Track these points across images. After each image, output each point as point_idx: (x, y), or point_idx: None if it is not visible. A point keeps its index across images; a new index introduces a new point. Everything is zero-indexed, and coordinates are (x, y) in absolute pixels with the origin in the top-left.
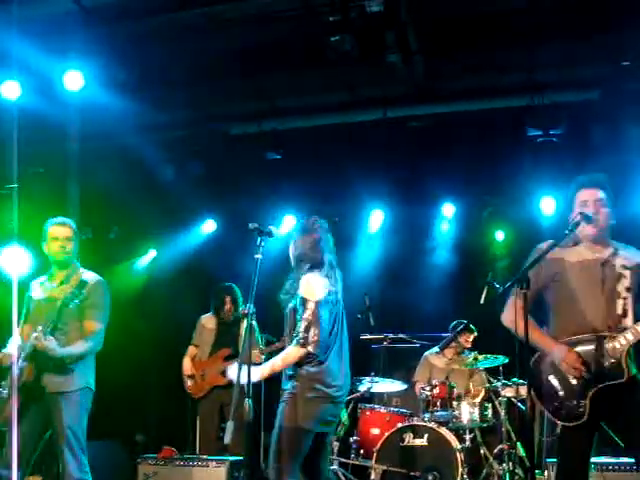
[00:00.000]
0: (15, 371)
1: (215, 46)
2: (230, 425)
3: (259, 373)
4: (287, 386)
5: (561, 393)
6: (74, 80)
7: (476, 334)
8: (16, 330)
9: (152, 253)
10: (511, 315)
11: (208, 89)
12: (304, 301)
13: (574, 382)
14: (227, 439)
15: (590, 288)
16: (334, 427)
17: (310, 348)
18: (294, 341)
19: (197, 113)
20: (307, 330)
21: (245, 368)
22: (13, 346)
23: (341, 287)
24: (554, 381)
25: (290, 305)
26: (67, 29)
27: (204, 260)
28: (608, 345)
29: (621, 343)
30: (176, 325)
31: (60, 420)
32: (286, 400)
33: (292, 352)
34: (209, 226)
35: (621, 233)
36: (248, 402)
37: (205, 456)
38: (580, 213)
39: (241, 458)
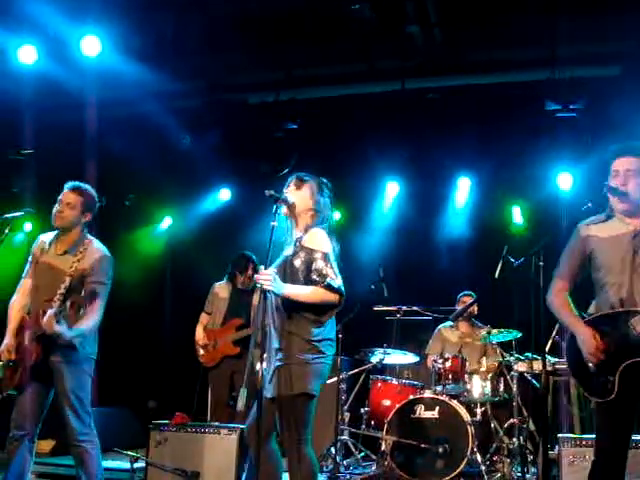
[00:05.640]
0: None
1: (233, 14)
2: (243, 392)
3: (281, 285)
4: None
5: (592, 369)
6: (91, 45)
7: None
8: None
9: (167, 221)
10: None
11: (225, 58)
12: (312, 252)
13: (604, 358)
14: (240, 406)
15: (621, 263)
16: None
17: (339, 296)
18: (327, 281)
19: (215, 82)
20: (332, 275)
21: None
22: (12, 313)
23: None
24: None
25: (287, 256)
26: None
27: (219, 228)
28: (633, 320)
29: None
30: (190, 292)
31: (64, 387)
32: (283, 366)
33: (326, 293)
34: (224, 194)
35: None
36: (261, 369)
37: (217, 423)
38: (605, 185)
39: None
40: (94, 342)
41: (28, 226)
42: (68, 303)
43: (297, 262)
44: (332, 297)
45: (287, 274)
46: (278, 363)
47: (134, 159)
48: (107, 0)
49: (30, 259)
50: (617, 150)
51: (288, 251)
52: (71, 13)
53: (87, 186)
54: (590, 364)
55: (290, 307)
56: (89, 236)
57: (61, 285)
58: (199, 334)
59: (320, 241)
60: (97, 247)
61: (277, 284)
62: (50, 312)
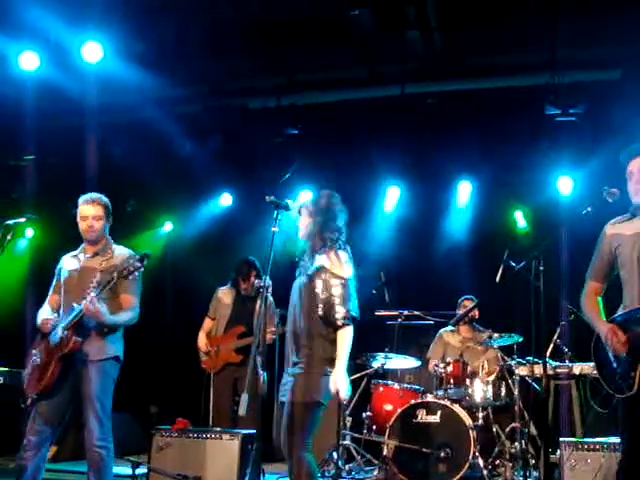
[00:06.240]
0: (54, 339)
1: (234, 19)
2: (244, 397)
3: (343, 381)
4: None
5: (615, 366)
6: (92, 52)
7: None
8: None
9: (168, 226)
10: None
11: (226, 63)
12: (333, 276)
13: (626, 355)
14: (241, 411)
15: (632, 260)
16: None
17: (352, 324)
18: (340, 322)
19: (215, 87)
20: (345, 306)
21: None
22: (44, 314)
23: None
24: (610, 355)
25: (303, 280)
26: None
27: (220, 234)
28: None
29: None
30: (192, 297)
31: (89, 389)
32: (300, 374)
33: (349, 334)
34: (225, 200)
35: None
36: (262, 375)
37: (219, 429)
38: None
39: (254, 431)
40: (121, 342)
41: (30, 232)
42: (104, 300)
43: (317, 286)
44: (351, 329)
45: (305, 298)
46: (295, 371)
47: (135, 164)
48: (108, 6)
49: (56, 275)
50: (632, 151)
51: (307, 272)
52: (72, 19)
53: (99, 194)
54: (621, 354)
55: (308, 326)
56: (113, 242)
57: (93, 279)
58: (202, 340)
59: (342, 266)
60: (124, 249)
61: (346, 386)
62: (92, 293)
